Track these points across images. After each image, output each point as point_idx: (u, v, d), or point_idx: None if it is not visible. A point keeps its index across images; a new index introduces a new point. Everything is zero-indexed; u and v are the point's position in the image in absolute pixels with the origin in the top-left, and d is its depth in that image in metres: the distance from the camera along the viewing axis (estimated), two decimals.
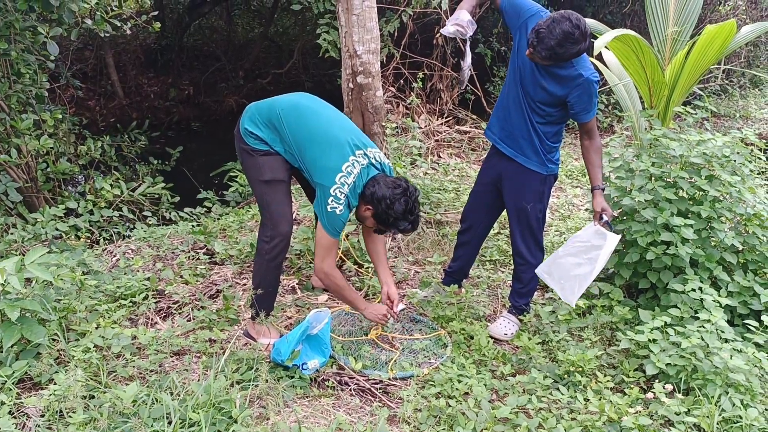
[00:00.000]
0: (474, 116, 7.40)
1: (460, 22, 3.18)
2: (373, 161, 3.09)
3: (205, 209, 5.49)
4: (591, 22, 4.60)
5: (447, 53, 7.50)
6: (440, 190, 5.30)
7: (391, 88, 6.70)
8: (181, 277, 3.87)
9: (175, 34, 10.67)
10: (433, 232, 4.70)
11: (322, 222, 3.03)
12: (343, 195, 2.95)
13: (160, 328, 3.33)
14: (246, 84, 11.14)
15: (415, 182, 4.97)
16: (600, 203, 3.25)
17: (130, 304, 3.45)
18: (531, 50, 2.96)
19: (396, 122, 6.03)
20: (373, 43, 4.43)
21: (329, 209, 2.96)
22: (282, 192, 3.17)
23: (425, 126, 6.58)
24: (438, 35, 7.44)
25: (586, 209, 5.26)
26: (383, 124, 4.61)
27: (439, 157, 6.22)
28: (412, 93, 6.73)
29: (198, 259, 4.14)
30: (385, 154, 4.45)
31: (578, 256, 3.28)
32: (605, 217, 3.24)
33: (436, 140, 6.39)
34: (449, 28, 3.19)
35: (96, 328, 3.05)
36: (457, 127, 6.95)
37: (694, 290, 3.25)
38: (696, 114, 3.95)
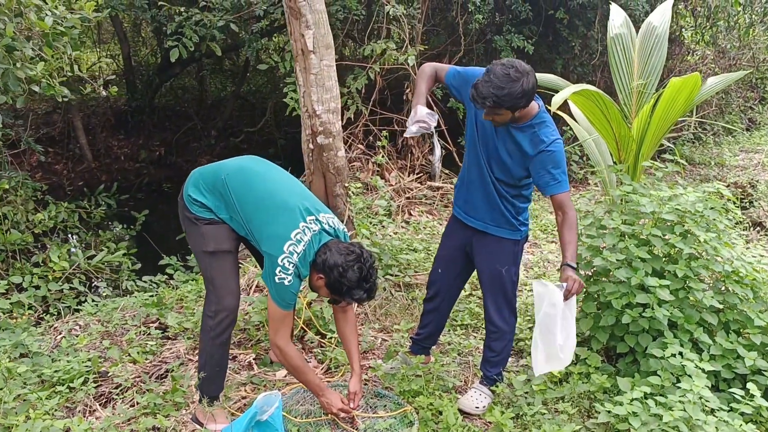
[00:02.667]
0: (446, 171, 7.28)
1: (420, 119, 2.99)
2: (326, 227, 2.90)
3: (166, 276, 5.23)
4: (551, 78, 4.51)
5: None
6: (410, 250, 5.10)
7: (360, 146, 6.57)
8: (129, 355, 3.60)
9: (145, 96, 10.57)
10: (402, 296, 4.48)
11: (272, 293, 2.82)
12: (291, 265, 2.75)
13: (99, 416, 3.05)
14: (218, 143, 11.01)
15: (383, 243, 4.77)
16: (567, 275, 2.91)
17: (68, 390, 3.17)
18: (477, 105, 2.82)
19: (364, 181, 5.87)
20: (332, 102, 4.29)
21: (277, 280, 2.75)
22: (228, 263, 2.96)
23: (396, 183, 6.43)
24: (407, 89, 7.38)
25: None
26: (346, 185, 4.43)
27: (410, 215, 6.06)
28: (381, 150, 6.61)
29: (149, 334, 3.87)
30: (348, 217, 4.26)
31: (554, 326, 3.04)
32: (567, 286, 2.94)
33: (407, 198, 6.24)
34: (412, 129, 3.01)
35: (25, 421, 2.77)
36: (429, 183, 6.81)
37: (674, 355, 3.04)
38: (666, 168, 3.82)
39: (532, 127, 2.92)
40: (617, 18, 4.35)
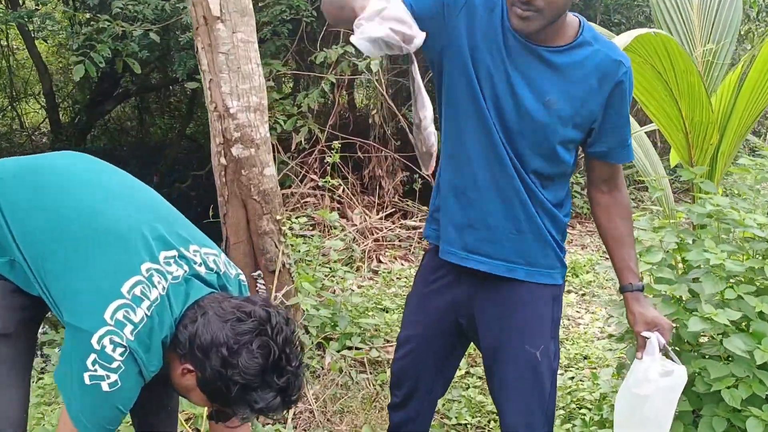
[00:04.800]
0: (424, 207, 5.88)
1: (389, 15, 1.43)
2: (200, 269, 1.50)
3: None
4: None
5: (387, 133, 6.07)
6: (378, 309, 3.65)
7: (314, 177, 5.17)
8: None
9: (72, 137, 9.12)
10: (366, 381, 3.00)
11: (70, 408, 1.37)
12: (121, 349, 1.33)
13: None
14: (161, 189, 9.48)
15: (338, 301, 3.31)
16: (645, 314, 1.72)
17: None
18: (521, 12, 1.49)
19: (316, 219, 4.46)
20: (254, 95, 2.90)
21: (88, 381, 1.33)
22: (6, 361, 1.51)
23: (360, 222, 5.01)
24: (374, 112, 6.04)
25: (605, 331, 3.66)
26: (279, 217, 3.00)
27: (379, 261, 4.62)
28: (340, 181, 5.21)
29: None
30: (283, 264, 2.82)
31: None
32: (661, 339, 1.69)
33: (375, 240, 4.82)
34: (370, 30, 1.41)
35: None
36: (403, 221, 5.41)
37: None
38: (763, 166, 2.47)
39: (588, 44, 1.62)
40: None
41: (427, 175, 5.84)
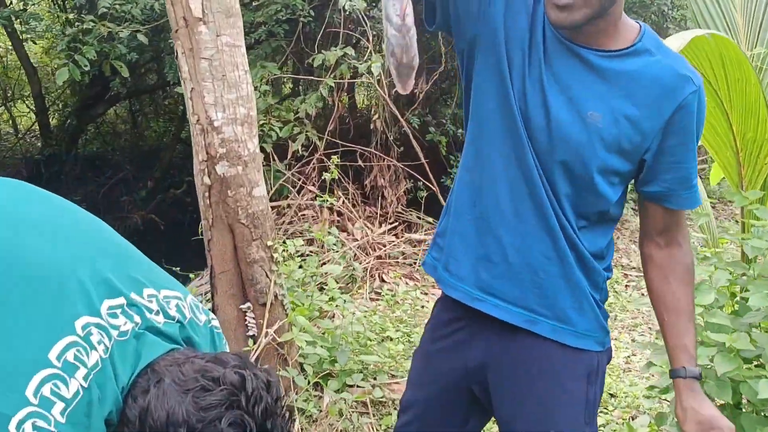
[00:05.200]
0: (430, 219, 5.55)
1: None
2: (156, 319, 1.18)
3: None
4: None
5: (389, 139, 5.73)
6: (383, 339, 3.32)
7: (312, 188, 4.84)
8: None
9: (62, 141, 8.79)
10: (369, 426, 2.68)
11: None
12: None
13: None
14: (155, 195, 9.21)
15: (337, 333, 2.98)
16: (700, 411, 1.35)
17: None
18: None
19: (310, 234, 4.13)
20: (241, 106, 2.56)
21: None
22: None
23: (361, 237, 4.68)
24: (376, 117, 5.70)
25: (631, 362, 3.32)
26: (270, 243, 2.66)
27: (382, 281, 4.29)
28: (340, 192, 4.88)
29: None
30: (275, 296, 2.50)
31: None
32: None
33: (378, 257, 4.48)
34: None
35: None
36: (407, 235, 5.07)
37: None
38: None
39: (648, 53, 1.30)
40: None
41: (432, 184, 5.52)
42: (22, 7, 7.93)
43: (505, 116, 1.33)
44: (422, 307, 3.91)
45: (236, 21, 2.55)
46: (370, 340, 3.22)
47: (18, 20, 7.01)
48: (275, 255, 2.65)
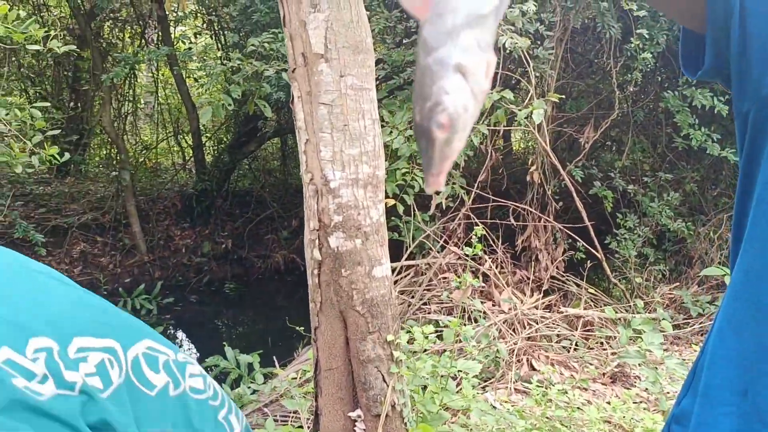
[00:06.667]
0: (591, 290, 4.74)
1: None
2: (38, 393, 0.61)
3: None
4: None
5: (547, 193, 5.03)
6: None
7: (455, 249, 4.24)
8: None
9: (214, 177, 8.90)
10: None
11: None
12: None
13: None
14: (298, 235, 9.06)
15: None
16: None
17: None
18: None
19: (454, 301, 3.53)
20: (366, 163, 2.04)
21: None
22: None
23: (509, 309, 3.99)
24: (533, 168, 5.03)
25: None
26: (389, 338, 2.09)
27: (532, 368, 3.57)
28: (487, 253, 4.25)
29: None
30: (393, 406, 1.92)
31: None
32: None
33: (528, 337, 3.77)
34: None
35: None
36: (563, 309, 4.30)
37: None
38: None
39: None
40: None
41: (596, 250, 4.71)
42: (188, 46, 8.19)
43: None
44: (578, 408, 3.15)
45: (366, 59, 2.04)
46: None
47: (176, 60, 7.16)
48: (396, 353, 2.07)
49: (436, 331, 3.01)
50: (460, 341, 3.07)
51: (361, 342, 2.06)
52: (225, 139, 9.62)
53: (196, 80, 8.85)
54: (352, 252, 2.03)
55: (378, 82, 5.55)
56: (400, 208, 4.12)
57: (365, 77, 2.05)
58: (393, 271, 4.27)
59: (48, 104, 3.96)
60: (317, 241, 2.06)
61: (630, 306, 4.54)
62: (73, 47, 3.73)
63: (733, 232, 0.81)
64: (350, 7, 2.00)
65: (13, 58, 8.62)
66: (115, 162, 9.27)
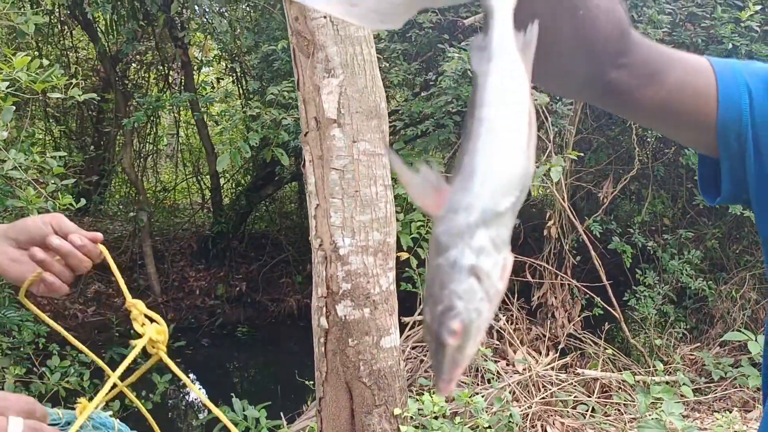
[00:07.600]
0: (609, 349, 4.61)
1: None
2: None
3: None
4: None
5: (564, 248, 4.95)
6: None
7: None
8: None
9: (231, 219, 8.92)
10: None
11: None
12: None
13: None
14: (310, 284, 9.00)
15: None
16: None
17: None
18: None
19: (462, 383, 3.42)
20: (378, 231, 2.00)
21: None
22: None
23: (524, 369, 3.88)
24: (551, 223, 4.96)
25: None
26: (396, 412, 2.02)
27: None
28: (501, 311, 4.16)
29: None
30: None
31: None
32: None
33: (543, 400, 3.65)
34: None
35: None
36: (580, 370, 4.18)
37: None
38: None
39: None
40: None
41: (615, 310, 4.60)
42: (210, 91, 8.31)
43: None
44: None
45: (380, 124, 2.01)
46: None
47: (197, 106, 7.25)
48: (403, 428, 1.99)
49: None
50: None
51: (366, 416, 1.99)
52: (243, 182, 9.67)
53: (216, 123, 8.95)
54: (360, 321, 1.97)
55: (395, 132, 5.55)
56: (414, 263, 4.06)
57: (378, 143, 2.02)
58: (405, 326, 4.18)
59: (65, 154, 3.99)
60: (324, 308, 2.01)
61: (650, 369, 4.40)
62: (94, 95, 3.78)
63: None
64: (365, 72, 1.97)
65: (40, 98, 8.80)
66: (133, 202, 9.34)
